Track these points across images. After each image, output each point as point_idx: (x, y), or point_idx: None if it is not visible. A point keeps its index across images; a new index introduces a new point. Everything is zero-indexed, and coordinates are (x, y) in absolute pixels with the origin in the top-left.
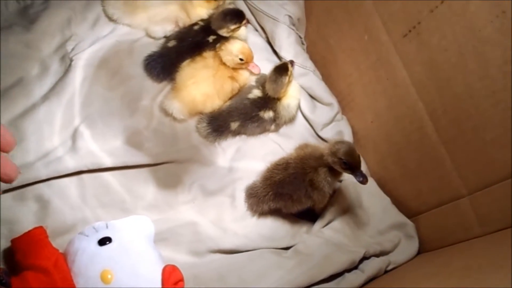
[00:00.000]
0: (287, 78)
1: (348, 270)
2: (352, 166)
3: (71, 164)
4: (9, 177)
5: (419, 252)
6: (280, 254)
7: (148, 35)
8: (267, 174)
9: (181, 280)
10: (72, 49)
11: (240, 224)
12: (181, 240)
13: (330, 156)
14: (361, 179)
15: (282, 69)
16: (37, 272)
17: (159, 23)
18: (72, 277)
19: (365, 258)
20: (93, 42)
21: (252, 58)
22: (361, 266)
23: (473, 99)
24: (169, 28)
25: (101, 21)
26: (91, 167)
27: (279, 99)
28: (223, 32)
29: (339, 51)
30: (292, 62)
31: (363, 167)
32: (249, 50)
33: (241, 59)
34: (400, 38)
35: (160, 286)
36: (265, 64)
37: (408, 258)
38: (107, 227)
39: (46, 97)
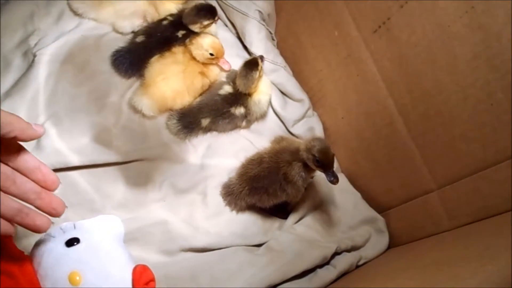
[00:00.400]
0: (258, 73)
1: (320, 265)
2: (324, 164)
3: None
4: (56, 211)
5: (389, 247)
6: (253, 251)
7: (115, 30)
8: (242, 170)
9: (152, 280)
10: (35, 44)
11: (212, 222)
12: (151, 239)
13: (305, 152)
14: (332, 178)
15: (252, 64)
16: (2, 276)
17: (127, 17)
18: (39, 280)
19: (336, 253)
20: (58, 37)
21: (222, 53)
22: (333, 261)
23: (442, 95)
24: (137, 23)
25: (65, 15)
26: (58, 166)
27: (250, 95)
28: (195, 28)
29: (310, 47)
30: (262, 57)
31: (334, 163)
32: (219, 45)
33: (211, 54)
34: (370, 34)
35: (131, 287)
36: (235, 60)
37: (378, 252)
38: (74, 227)
39: (8, 94)
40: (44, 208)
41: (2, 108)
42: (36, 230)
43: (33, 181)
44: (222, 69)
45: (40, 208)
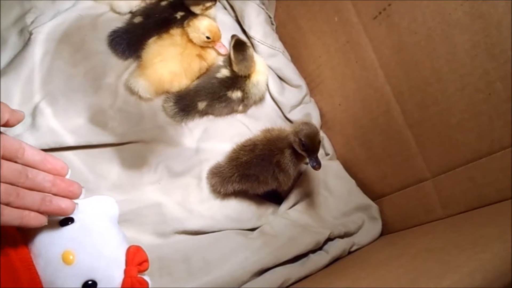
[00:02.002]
0: (250, 49)
1: (313, 251)
2: (309, 149)
3: (31, 142)
4: (73, 193)
5: (382, 234)
6: (246, 235)
7: (113, 10)
8: (233, 155)
9: (146, 260)
10: (32, 22)
11: (206, 205)
12: (145, 221)
13: (293, 135)
14: (314, 164)
15: (241, 45)
16: None
17: None
18: (32, 258)
19: (329, 239)
20: (54, 15)
21: (219, 37)
22: (325, 247)
23: (440, 83)
24: (134, 3)
25: None
26: (53, 146)
27: (248, 77)
28: (197, 9)
29: (309, 33)
30: (234, 35)
31: (330, 149)
32: (216, 29)
33: (207, 37)
34: (370, 20)
35: (124, 267)
36: None
37: (371, 239)
38: None
39: (3, 72)
40: (62, 193)
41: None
42: (64, 213)
43: (44, 171)
44: (218, 53)
45: (58, 194)
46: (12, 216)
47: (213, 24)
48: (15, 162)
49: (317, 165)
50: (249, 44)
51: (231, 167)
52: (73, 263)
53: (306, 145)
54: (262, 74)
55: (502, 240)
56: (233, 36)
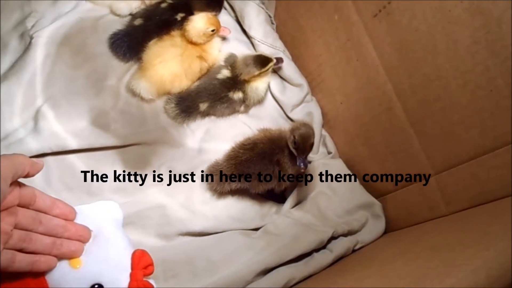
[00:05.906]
0: (258, 72)
1: (317, 249)
2: (300, 148)
3: (34, 146)
4: (83, 237)
5: (386, 231)
6: (249, 235)
7: (113, 12)
8: (232, 153)
9: (151, 264)
10: (32, 26)
11: (209, 206)
12: (149, 223)
13: (289, 132)
14: (301, 165)
15: (261, 62)
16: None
17: None
18: None
19: (333, 237)
20: (55, 19)
21: (219, 23)
22: (329, 245)
23: (441, 80)
24: (135, 5)
25: None
26: (55, 149)
27: (247, 81)
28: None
29: (310, 31)
30: (279, 60)
31: (332, 148)
32: (214, 18)
33: (212, 30)
34: (370, 18)
35: (130, 271)
36: (234, 44)
37: (375, 237)
38: None
39: (5, 76)
40: (73, 237)
41: (2, 90)
42: (74, 255)
43: (53, 216)
44: (223, 38)
45: (69, 238)
46: (24, 263)
47: (208, 16)
48: (28, 208)
49: (303, 167)
50: (265, 71)
51: (229, 165)
52: (80, 267)
53: (298, 144)
54: (263, 81)
55: (506, 238)
56: (279, 59)
